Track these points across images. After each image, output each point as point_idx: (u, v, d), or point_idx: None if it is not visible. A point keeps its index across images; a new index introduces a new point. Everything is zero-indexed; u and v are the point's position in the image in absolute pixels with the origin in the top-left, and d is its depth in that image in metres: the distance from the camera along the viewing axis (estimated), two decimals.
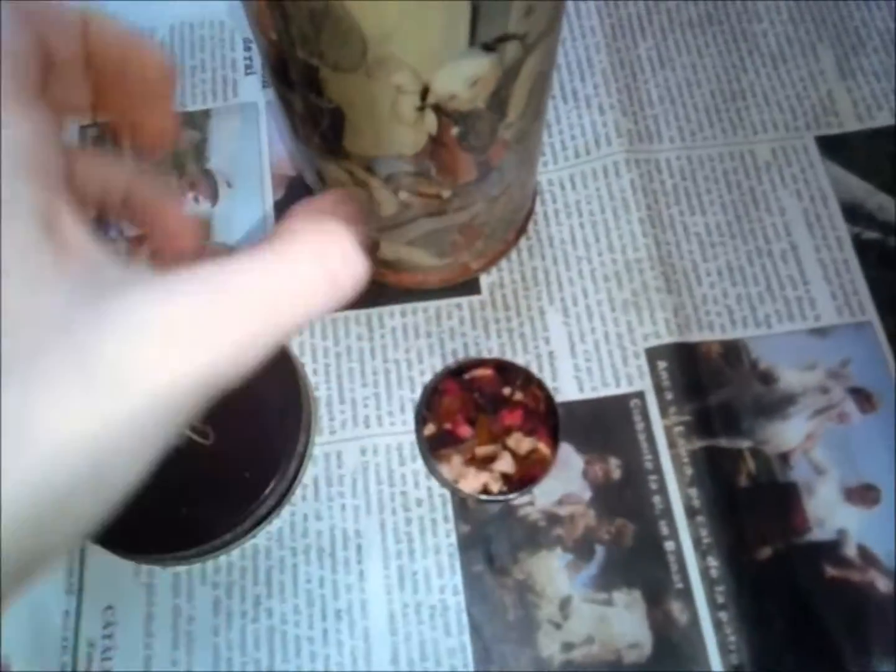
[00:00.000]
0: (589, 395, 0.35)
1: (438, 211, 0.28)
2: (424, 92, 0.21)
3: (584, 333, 0.36)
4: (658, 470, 0.33)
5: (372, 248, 0.32)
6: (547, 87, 0.26)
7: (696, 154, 0.39)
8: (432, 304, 0.37)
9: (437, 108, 0.22)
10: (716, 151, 0.39)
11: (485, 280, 0.38)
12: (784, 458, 0.33)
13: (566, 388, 0.35)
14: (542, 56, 0.23)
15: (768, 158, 0.39)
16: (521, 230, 0.37)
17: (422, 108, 0.22)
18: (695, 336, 0.36)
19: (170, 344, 0.14)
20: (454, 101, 0.22)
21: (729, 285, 0.37)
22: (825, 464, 0.33)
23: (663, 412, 0.34)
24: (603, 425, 0.34)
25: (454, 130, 0.23)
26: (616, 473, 0.33)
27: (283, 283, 0.16)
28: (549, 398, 0.33)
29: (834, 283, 0.36)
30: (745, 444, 0.33)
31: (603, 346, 0.36)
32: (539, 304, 0.37)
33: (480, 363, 0.34)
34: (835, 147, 0.39)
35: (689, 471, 0.33)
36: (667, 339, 0.35)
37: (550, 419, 0.33)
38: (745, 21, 0.42)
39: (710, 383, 0.35)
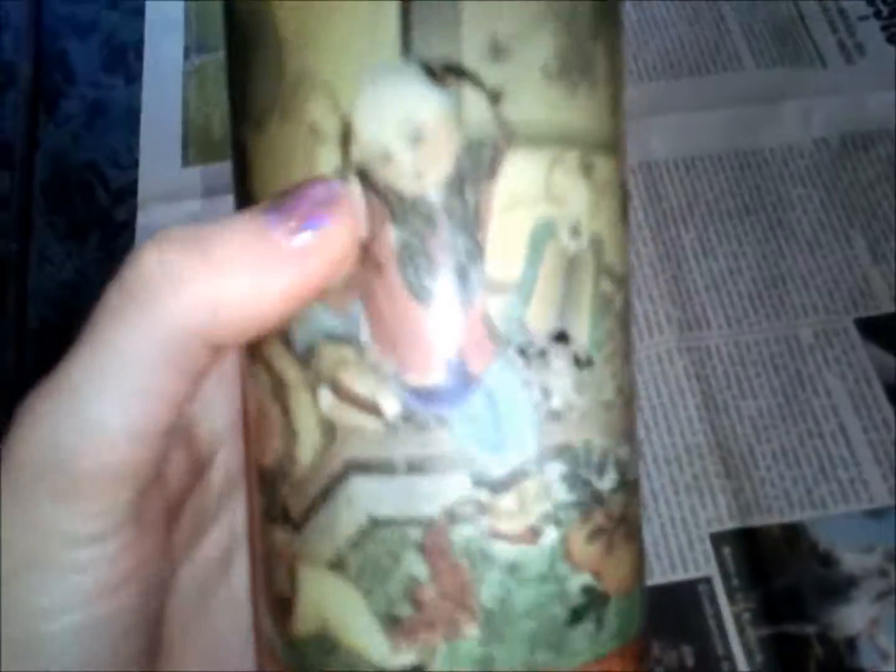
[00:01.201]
0: (659, 580, 0.37)
1: (379, 461, 0.15)
2: (345, 138, 0.15)
3: (651, 517, 0.39)
4: (730, 657, 0.35)
5: (285, 608, 0.17)
6: (567, 279, 0.16)
7: (743, 339, 0.42)
8: None
9: (364, 178, 0.15)
10: (762, 336, 0.43)
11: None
12: (850, 643, 0.35)
13: None
14: (542, 172, 0.15)
15: (811, 341, 0.42)
16: None
17: (343, 173, 0.15)
18: (755, 520, 0.38)
19: None
20: (390, 168, 0.15)
21: (784, 467, 0.39)
22: (891, 650, 0.35)
23: (731, 598, 0.36)
24: (674, 611, 0.37)
25: (392, 235, 0.15)
26: (689, 661, 0.35)
27: None
28: None
29: (884, 465, 0.39)
30: (811, 629, 0.35)
31: (669, 530, 0.38)
32: None
33: None
34: (874, 329, 0.42)
35: (759, 658, 0.35)
36: (729, 525, 0.38)
37: None
38: (780, 210, 0.46)
39: (774, 568, 0.37)
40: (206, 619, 0.19)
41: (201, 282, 0.14)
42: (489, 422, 0.15)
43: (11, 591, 0.15)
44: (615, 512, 0.16)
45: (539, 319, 0.15)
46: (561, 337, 0.16)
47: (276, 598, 0.17)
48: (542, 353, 0.15)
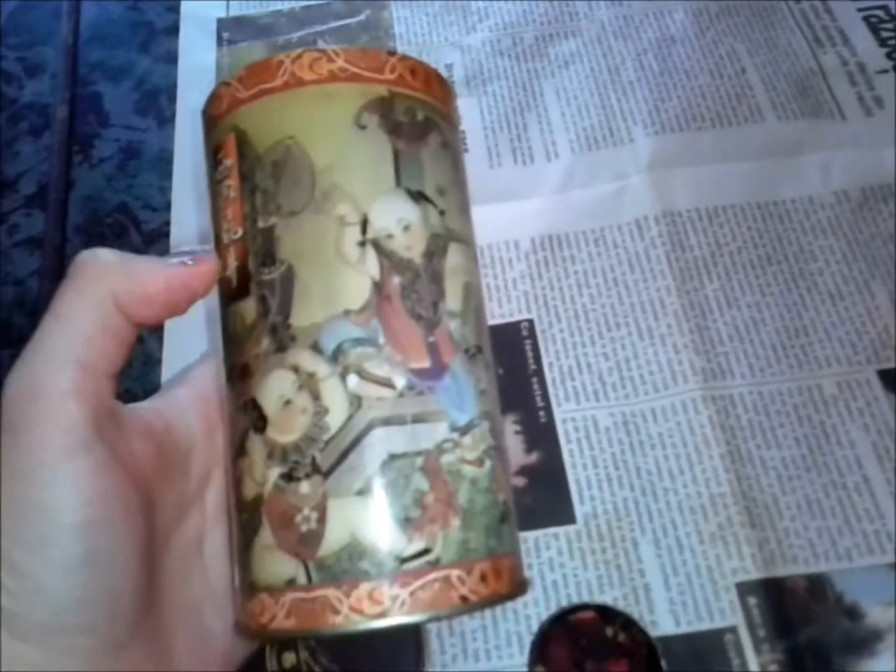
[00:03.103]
0: (685, 629, 0.38)
1: (395, 416, 0.24)
2: (364, 225, 0.24)
3: (677, 566, 0.39)
4: None
5: (313, 538, 0.23)
6: (480, 318, 0.27)
7: (766, 389, 0.43)
8: (530, 535, 0.41)
9: (377, 247, 0.24)
10: (785, 386, 0.43)
11: (579, 509, 0.41)
12: None
13: (663, 622, 0.38)
14: (463, 258, 0.26)
15: (834, 392, 0.43)
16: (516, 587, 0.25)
17: (363, 244, 0.24)
18: (780, 570, 0.39)
19: None
20: (391, 242, 0.24)
21: (809, 518, 0.40)
22: None
23: (757, 650, 0.37)
24: (701, 661, 0.37)
25: (396, 280, 0.24)
26: None
27: None
28: (651, 646, 0.36)
29: None
30: None
31: (695, 579, 0.39)
32: (632, 535, 0.40)
33: (583, 607, 0.38)
34: None
35: None
36: (754, 575, 0.38)
37: (653, 668, 0.36)
38: (802, 261, 0.47)
39: (799, 620, 0.37)
40: (189, 580, 0.26)
41: (120, 271, 0.23)
42: (455, 392, 0.25)
43: (22, 494, 0.21)
44: (506, 457, 0.27)
45: (471, 336, 0.26)
46: (479, 349, 0.26)
47: (301, 537, 0.23)
48: (473, 356, 0.26)
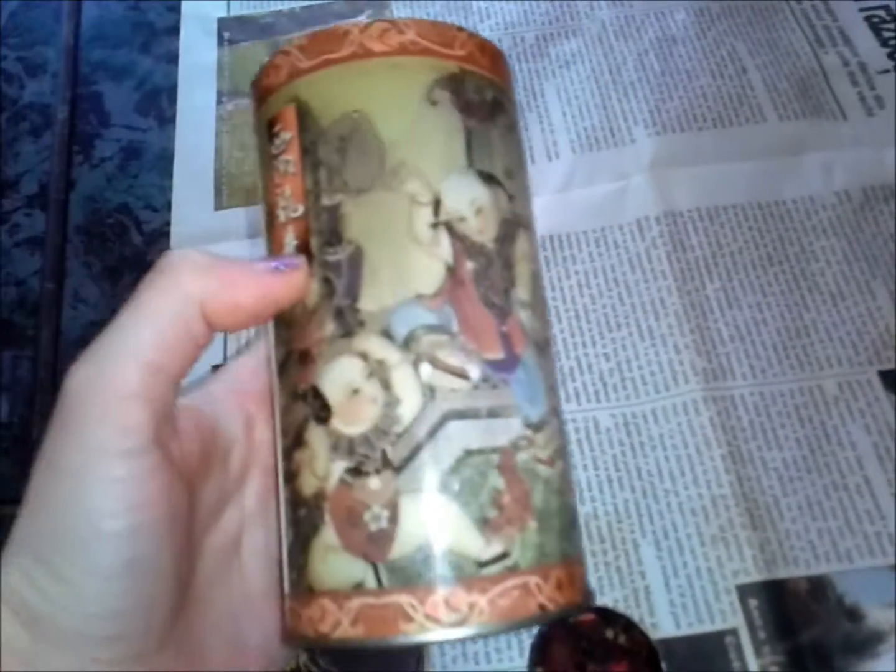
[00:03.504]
0: (686, 631, 0.38)
1: (469, 409, 0.22)
2: (436, 205, 0.23)
3: (678, 568, 0.39)
4: None
5: (383, 538, 0.21)
6: (547, 310, 0.26)
7: (768, 390, 0.43)
8: None
9: (450, 229, 0.23)
10: (786, 387, 0.43)
11: (580, 510, 0.41)
12: None
13: (664, 624, 0.38)
14: (530, 246, 0.25)
15: (836, 393, 0.43)
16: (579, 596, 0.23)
17: (435, 225, 0.23)
18: (781, 572, 0.38)
19: None
20: (464, 225, 0.23)
21: (809, 520, 0.40)
22: None
23: (758, 651, 0.37)
24: (701, 663, 0.37)
25: (469, 265, 0.23)
26: None
27: None
28: (652, 648, 0.36)
29: None
30: None
31: (696, 581, 0.39)
32: (633, 536, 0.40)
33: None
34: None
35: None
36: (756, 577, 0.38)
37: (654, 670, 0.36)
38: (804, 261, 0.46)
39: (800, 621, 0.37)
40: (224, 582, 0.25)
41: (211, 276, 0.22)
42: (528, 385, 0.23)
43: (69, 494, 0.20)
44: (570, 459, 0.26)
45: (540, 328, 0.24)
46: (548, 342, 0.25)
47: (370, 536, 0.21)
48: (542, 349, 0.24)
